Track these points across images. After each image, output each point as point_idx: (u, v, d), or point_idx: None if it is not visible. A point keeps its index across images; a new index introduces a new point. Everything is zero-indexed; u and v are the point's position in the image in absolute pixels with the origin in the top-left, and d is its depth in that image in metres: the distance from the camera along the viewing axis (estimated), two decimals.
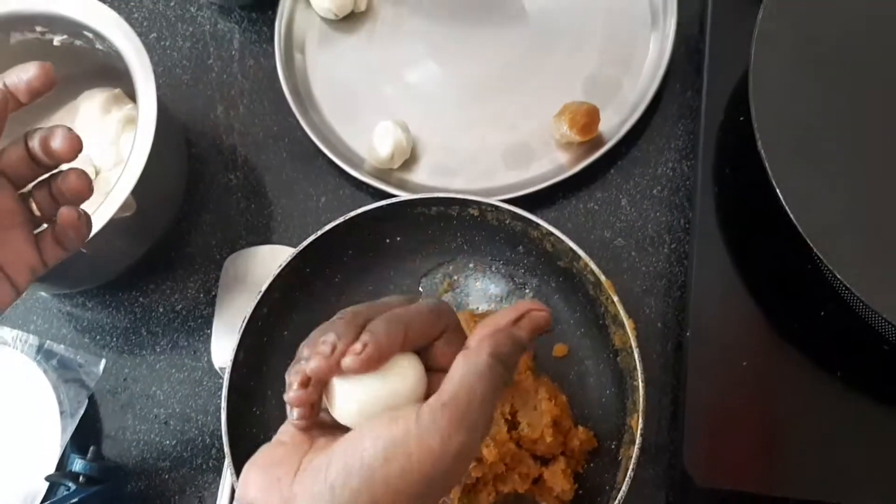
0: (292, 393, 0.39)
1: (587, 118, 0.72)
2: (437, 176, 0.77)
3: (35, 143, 0.49)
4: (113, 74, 0.77)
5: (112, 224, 0.65)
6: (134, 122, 0.77)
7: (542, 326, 0.39)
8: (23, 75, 0.48)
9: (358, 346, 0.37)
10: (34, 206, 0.51)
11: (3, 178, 0.49)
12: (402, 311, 0.39)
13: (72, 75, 0.78)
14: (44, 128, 0.49)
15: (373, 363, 0.37)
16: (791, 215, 0.51)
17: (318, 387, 0.39)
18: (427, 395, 0.38)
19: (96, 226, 0.65)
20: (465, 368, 0.37)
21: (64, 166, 0.51)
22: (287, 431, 0.40)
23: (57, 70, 0.76)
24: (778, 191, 0.51)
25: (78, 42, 0.74)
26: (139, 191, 0.66)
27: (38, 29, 0.73)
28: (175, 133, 0.77)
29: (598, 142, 0.74)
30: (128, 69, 0.71)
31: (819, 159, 0.52)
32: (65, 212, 0.50)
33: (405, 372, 0.38)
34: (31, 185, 0.51)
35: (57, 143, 0.48)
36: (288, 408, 0.40)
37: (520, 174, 0.75)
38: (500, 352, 0.37)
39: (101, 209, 0.65)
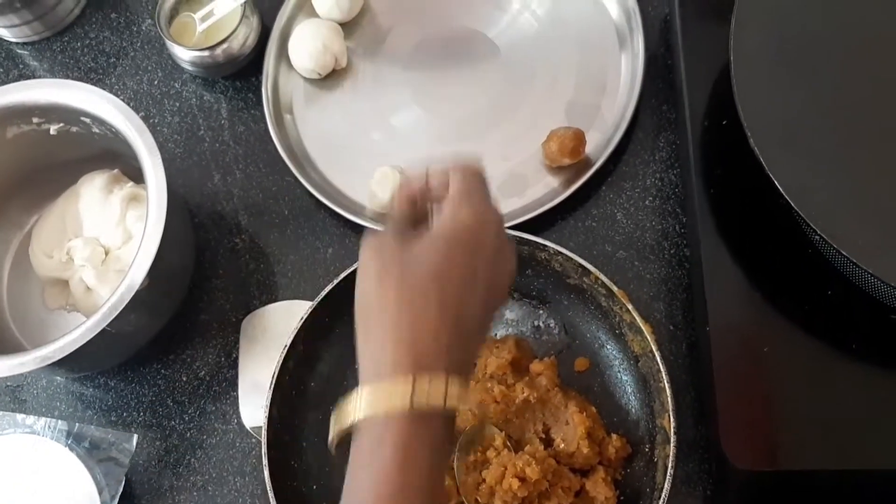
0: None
1: (574, 141, 0.76)
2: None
3: None
4: (110, 156, 0.79)
5: (131, 301, 0.67)
6: (136, 200, 0.78)
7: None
8: None
9: None
10: None
11: None
12: None
13: (70, 161, 0.80)
14: None
15: None
16: (791, 202, 0.54)
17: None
18: None
19: (117, 305, 0.66)
20: (460, 179, 0.50)
21: None
22: None
23: (55, 157, 0.79)
24: (775, 181, 0.55)
25: (74, 129, 0.76)
26: (154, 266, 0.67)
27: (35, 120, 0.75)
28: (179, 206, 0.79)
29: (586, 163, 0.78)
30: (124, 150, 0.73)
31: (809, 146, 0.56)
32: None
33: None
34: None
35: None
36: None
37: (517, 202, 0.78)
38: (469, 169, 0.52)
39: (121, 288, 0.67)
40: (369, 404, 0.45)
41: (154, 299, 0.72)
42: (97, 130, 0.75)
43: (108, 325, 0.66)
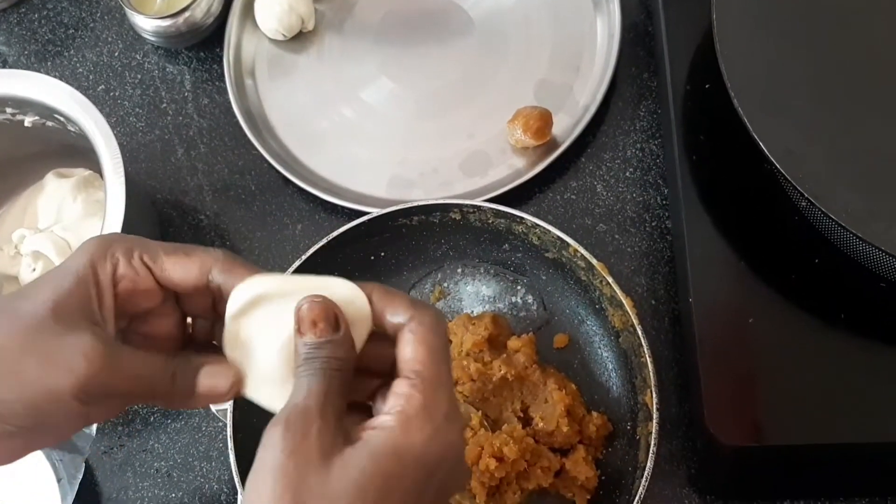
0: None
1: (540, 122, 0.73)
2: (395, 189, 0.76)
3: None
4: (85, 152, 0.75)
5: None
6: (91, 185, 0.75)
7: None
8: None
9: None
10: None
11: None
12: None
13: (45, 152, 0.77)
14: None
15: None
16: (777, 165, 0.52)
17: None
18: None
19: None
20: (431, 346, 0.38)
21: None
22: None
23: (28, 148, 0.76)
24: (760, 144, 0.52)
25: (50, 123, 0.72)
26: None
27: (9, 111, 0.72)
28: (140, 198, 0.75)
29: (553, 144, 0.75)
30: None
31: (795, 108, 0.54)
32: None
33: None
34: None
35: None
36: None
37: (478, 181, 0.75)
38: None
39: None
40: None
41: None
42: (72, 129, 0.71)
43: None
